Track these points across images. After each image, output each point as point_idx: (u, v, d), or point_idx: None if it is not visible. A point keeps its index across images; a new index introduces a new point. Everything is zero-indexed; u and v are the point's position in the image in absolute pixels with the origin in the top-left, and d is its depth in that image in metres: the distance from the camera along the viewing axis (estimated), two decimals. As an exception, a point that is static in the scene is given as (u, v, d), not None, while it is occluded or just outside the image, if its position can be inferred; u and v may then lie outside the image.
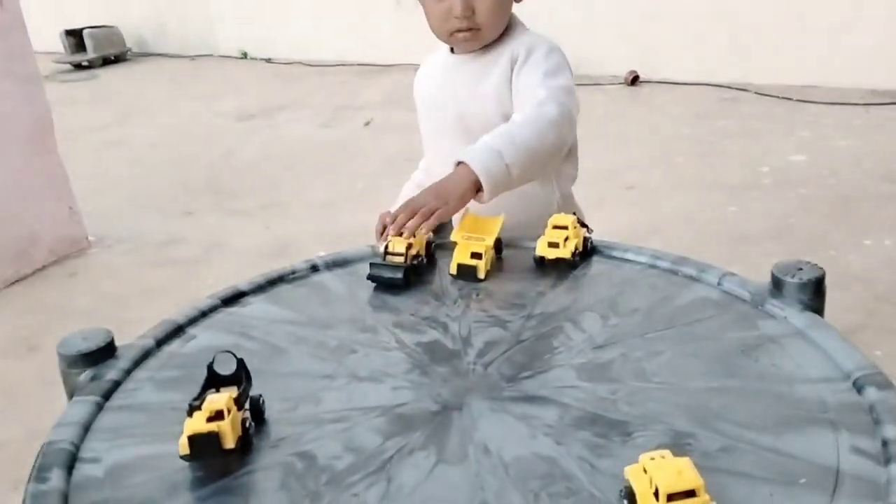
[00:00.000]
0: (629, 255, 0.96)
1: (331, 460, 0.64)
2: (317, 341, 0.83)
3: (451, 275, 0.95)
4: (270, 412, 0.71)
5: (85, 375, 0.77)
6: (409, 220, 0.96)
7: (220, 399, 0.64)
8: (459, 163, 1.02)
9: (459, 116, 1.19)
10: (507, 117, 1.12)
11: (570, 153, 1.22)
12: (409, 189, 1.41)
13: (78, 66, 6.85)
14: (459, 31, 1.14)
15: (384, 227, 1.06)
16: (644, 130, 3.85)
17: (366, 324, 0.86)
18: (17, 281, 2.59)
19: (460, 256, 0.95)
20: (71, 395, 0.78)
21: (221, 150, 4.06)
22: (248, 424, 0.66)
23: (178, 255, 2.75)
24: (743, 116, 3.93)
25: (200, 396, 0.66)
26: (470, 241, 0.95)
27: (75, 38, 6.86)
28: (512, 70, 1.15)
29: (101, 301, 2.41)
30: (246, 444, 0.65)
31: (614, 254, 0.97)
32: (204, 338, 0.85)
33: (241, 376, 0.69)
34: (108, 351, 0.79)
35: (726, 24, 4.45)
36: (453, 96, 1.20)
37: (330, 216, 3.01)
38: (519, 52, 1.15)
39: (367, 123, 4.33)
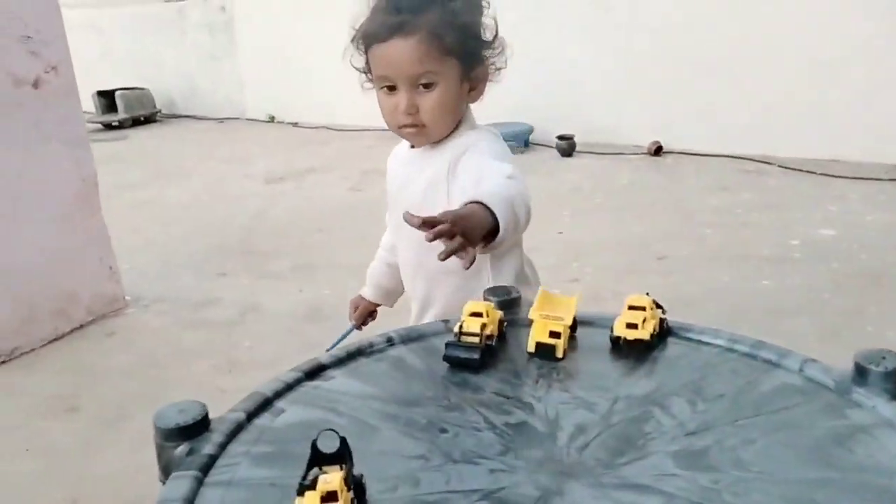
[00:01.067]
0: (705, 338, 0.97)
1: (439, 545, 0.64)
2: (406, 419, 0.84)
3: (529, 353, 0.96)
4: (370, 492, 0.71)
5: (181, 449, 0.78)
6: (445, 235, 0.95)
7: (334, 479, 0.65)
8: (475, 202, 1.02)
9: (421, 210, 1.14)
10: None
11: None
12: (378, 268, 1.50)
13: (108, 126, 7.03)
14: (405, 126, 1.19)
15: (355, 309, 1.46)
16: (670, 201, 3.89)
17: (451, 402, 0.87)
18: (55, 339, 2.62)
19: (538, 335, 0.96)
20: (165, 468, 0.79)
21: (252, 211, 4.13)
22: None
23: (213, 316, 2.77)
24: (767, 189, 3.97)
25: (307, 475, 0.66)
26: (548, 320, 0.96)
27: (107, 99, 7.07)
28: (449, 168, 1.19)
29: (139, 361, 2.43)
30: None
31: (690, 335, 0.98)
32: (293, 412, 0.86)
33: (343, 454, 0.70)
34: (203, 425, 0.80)
35: (747, 98, 4.54)
36: (413, 189, 1.25)
37: (361, 278, 3.03)
38: (460, 148, 1.20)
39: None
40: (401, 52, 1.14)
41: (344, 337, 1.50)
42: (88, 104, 6.96)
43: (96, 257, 2.75)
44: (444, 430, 0.81)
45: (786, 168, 4.24)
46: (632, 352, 0.95)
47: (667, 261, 3.08)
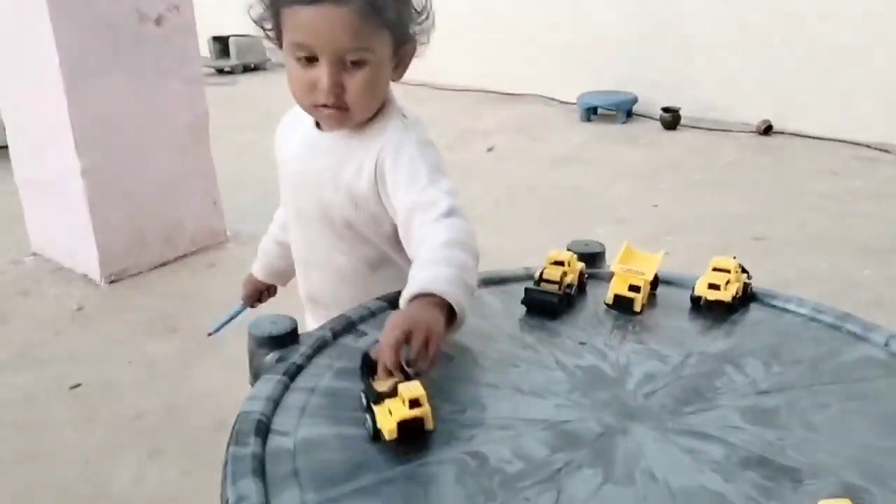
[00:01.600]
0: (791, 306, 0.96)
1: (501, 464, 0.68)
2: (480, 352, 0.87)
3: (607, 304, 0.97)
4: (441, 412, 0.75)
5: (271, 356, 0.84)
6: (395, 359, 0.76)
7: (416, 387, 0.70)
8: (421, 294, 0.83)
9: (324, 205, 1.05)
10: (371, 216, 1.03)
11: None
12: (268, 247, 1.30)
13: (220, 71, 7.29)
14: (324, 106, 0.98)
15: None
16: (774, 182, 3.74)
17: (525, 342, 0.90)
18: (161, 265, 2.79)
19: (618, 287, 0.97)
20: (255, 373, 0.86)
21: (350, 161, 4.23)
22: None
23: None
24: (881, 178, 3.76)
25: (374, 391, 0.71)
26: (629, 274, 0.97)
27: (221, 44, 7.32)
28: (376, 168, 1.00)
29: (235, 292, 2.54)
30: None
31: (775, 303, 0.97)
32: (374, 335, 0.90)
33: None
34: (292, 337, 0.86)
35: (871, 82, 4.28)
36: (316, 181, 1.06)
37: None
38: (386, 150, 1.00)
39: (490, 149, 4.40)
40: (331, 20, 0.93)
41: (231, 318, 1.35)
42: (203, 49, 7.24)
43: (203, 191, 2.90)
44: (515, 365, 0.84)
45: (905, 158, 4.00)
46: (712, 312, 0.95)
47: (765, 242, 2.98)
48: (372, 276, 1.09)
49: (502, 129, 4.73)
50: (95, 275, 2.67)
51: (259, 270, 1.34)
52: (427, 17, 1.02)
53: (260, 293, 1.37)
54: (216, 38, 7.25)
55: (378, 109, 1.03)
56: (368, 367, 0.78)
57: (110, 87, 2.56)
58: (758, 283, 1.00)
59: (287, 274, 1.30)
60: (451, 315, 0.83)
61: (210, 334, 1.36)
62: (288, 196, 1.14)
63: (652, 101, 4.90)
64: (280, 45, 1.01)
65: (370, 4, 0.93)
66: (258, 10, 1.01)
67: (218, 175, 3.00)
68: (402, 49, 1.01)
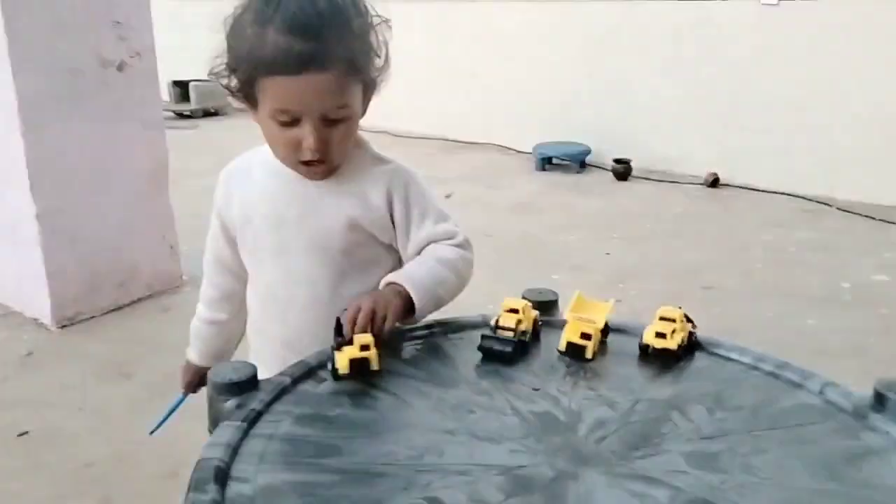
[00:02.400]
0: (733, 355, 1.00)
1: (458, 509, 0.70)
2: (437, 398, 0.90)
3: (559, 351, 1.01)
4: (398, 458, 0.77)
5: (231, 403, 0.85)
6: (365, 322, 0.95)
7: (366, 337, 0.92)
8: (393, 283, 1.03)
9: (320, 234, 1.09)
10: (370, 247, 1.11)
11: None
12: (203, 329, 1.28)
13: (180, 115, 7.29)
14: (308, 162, 1.02)
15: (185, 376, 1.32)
16: (722, 233, 3.87)
17: (481, 387, 0.93)
18: (115, 309, 2.76)
19: (570, 335, 1.00)
20: (215, 419, 0.87)
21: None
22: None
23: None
24: (825, 230, 3.92)
25: (338, 339, 0.92)
26: (581, 322, 1.01)
27: (181, 88, 7.33)
28: (390, 204, 1.09)
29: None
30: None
31: (718, 351, 1.01)
32: (333, 382, 0.92)
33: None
34: (252, 383, 0.87)
35: (814, 138, 4.48)
36: (312, 214, 1.09)
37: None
38: (394, 185, 1.09)
39: (448, 196, 4.47)
40: (314, 88, 0.96)
41: (173, 410, 1.35)
42: (164, 93, 7.24)
43: (159, 235, 2.89)
44: (471, 411, 0.87)
45: (845, 211, 4.18)
46: (658, 360, 0.99)
47: (713, 291, 3.08)
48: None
49: (461, 177, 4.82)
50: (47, 319, 2.62)
51: (196, 356, 1.30)
52: (387, 62, 1.06)
53: (200, 378, 1.31)
54: (176, 83, 7.26)
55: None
56: (339, 327, 0.94)
57: (69, 131, 2.56)
58: (706, 331, 1.05)
59: (226, 351, 1.30)
60: (411, 309, 1.02)
61: (152, 433, 1.35)
62: (271, 240, 1.12)
63: (605, 152, 5.05)
64: (252, 108, 1.04)
65: (350, 66, 0.97)
66: (227, 79, 1.03)
67: (176, 219, 2.99)
68: (369, 94, 1.06)
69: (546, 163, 5.05)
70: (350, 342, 0.91)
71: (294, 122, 0.99)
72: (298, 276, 1.11)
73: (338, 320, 0.96)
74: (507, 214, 4.12)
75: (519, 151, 5.38)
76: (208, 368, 1.29)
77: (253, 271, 1.18)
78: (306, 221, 1.09)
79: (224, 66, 1.02)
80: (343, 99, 0.99)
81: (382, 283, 1.05)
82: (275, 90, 0.97)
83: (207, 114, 7.39)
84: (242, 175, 1.15)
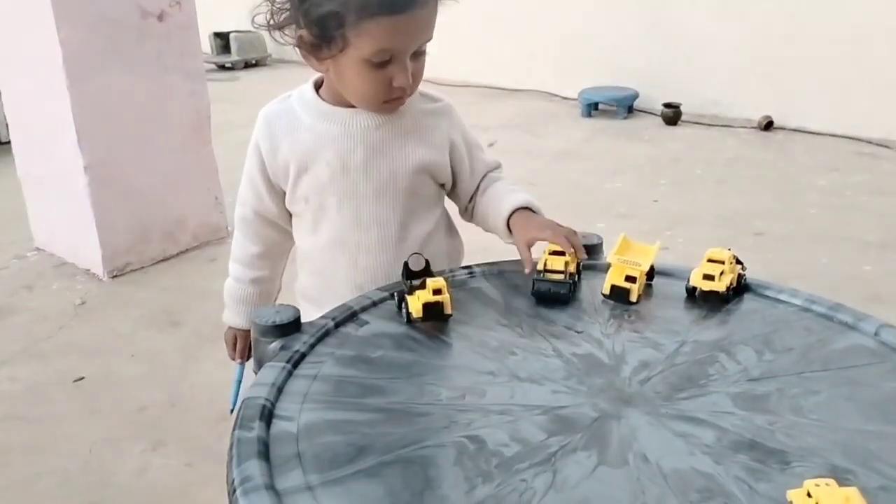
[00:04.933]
0: (783, 297, 0.97)
1: (499, 447, 0.69)
2: (479, 340, 0.89)
3: (603, 295, 0.99)
4: (440, 398, 0.77)
5: (275, 345, 0.86)
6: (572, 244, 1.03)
7: (439, 281, 0.89)
8: (518, 209, 1.11)
9: (390, 177, 1.09)
10: (434, 182, 1.14)
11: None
12: (245, 290, 1.23)
13: (221, 67, 7.31)
14: (393, 99, 1.02)
15: (234, 345, 1.27)
16: (775, 178, 3.75)
17: (523, 330, 0.92)
18: (163, 260, 2.81)
19: (614, 278, 0.99)
20: (259, 360, 0.88)
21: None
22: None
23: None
24: (882, 174, 3.77)
25: (409, 283, 0.91)
26: (625, 265, 0.99)
27: (222, 40, 7.33)
28: (451, 141, 1.12)
29: (237, 286, 2.58)
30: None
31: (768, 293, 0.99)
32: (375, 325, 0.92)
33: (429, 272, 0.93)
34: (295, 326, 0.88)
35: (871, 77, 4.29)
36: (380, 157, 1.08)
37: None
38: (451, 123, 1.13)
39: (491, 144, 4.41)
40: (419, 24, 0.96)
41: (239, 383, 1.30)
42: (205, 45, 7.26)
43: (204, 187, 2.92)
44: (513, 353, 0.86)
45: (905, 153, 4.01)
46: (706, 303, 0.97)
47: (764, 237, 3.00)
48: (425, 248, 1.11)
49: (504, 125, 4.74)
50: (98, 270, 2.69)
51: (243, 320, 1.24)
52: None
53: (248, 342, 1.25)
54: (217, 34, 7.27)
55: None
56: (408, 271, 0.93)
57: (112, 82, 2.58)
58: (757, 277, 1.02)
59: None
60: None
61: (232, 411, 1.26)
62: (340, 188, 1.09)
63: (653, 96, 4.91)
64: (322, 55, 1.00)
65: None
66: (290, 27, 0.99)
67: (219, 170, 3.02)
68: None
69: (592, 108, 4.94)
70: (423, 286, 0.89)
71: (387, 61, 0.97)
72: (368, 220, 1.09)
73: (405, 264, 0.93)
74: (552, 162, 4.06)
75: (564, 98, 5.26)
76: None
77: (310, 219, 1.13)
78: (374, 165, 1.08)
79: (287, 14, 0.99)
80: (432, 31, 1.00)
81: (509, 207, 1.10)
82: (379, 31, 0.94)
83: (248, 65, 7.40)
84: (287, 121, 1.10)
